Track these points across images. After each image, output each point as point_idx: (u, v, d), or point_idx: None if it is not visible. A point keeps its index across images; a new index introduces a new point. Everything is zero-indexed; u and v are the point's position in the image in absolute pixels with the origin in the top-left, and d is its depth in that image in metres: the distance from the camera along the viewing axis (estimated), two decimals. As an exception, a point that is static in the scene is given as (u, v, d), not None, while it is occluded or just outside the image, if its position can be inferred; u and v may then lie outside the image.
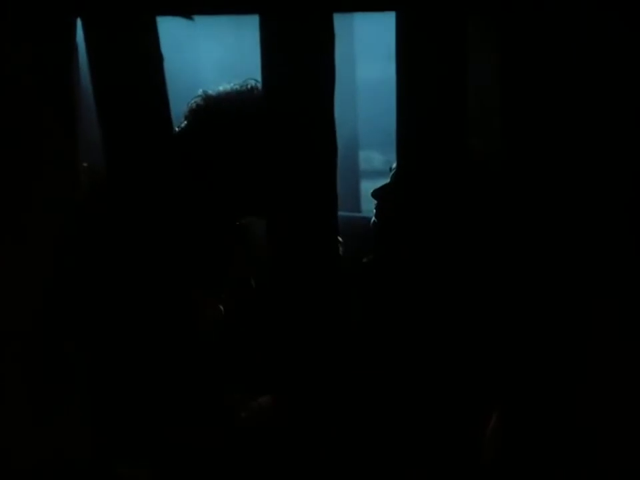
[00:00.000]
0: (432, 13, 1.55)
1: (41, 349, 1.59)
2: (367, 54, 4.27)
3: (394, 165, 1.93)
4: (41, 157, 1.55)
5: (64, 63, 1.54)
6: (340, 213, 1.67)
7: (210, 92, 1.91)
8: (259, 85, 1.88)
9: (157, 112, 1.59)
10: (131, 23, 1.54)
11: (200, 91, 1.92)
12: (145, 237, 1.64)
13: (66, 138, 1.56)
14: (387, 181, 1.94)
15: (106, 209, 1.66)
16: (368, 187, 4.02)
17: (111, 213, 1.65)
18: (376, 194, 1.93)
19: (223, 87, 1.92)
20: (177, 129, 1.91)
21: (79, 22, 1.55)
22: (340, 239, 1.69)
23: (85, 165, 1.76)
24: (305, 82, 1.56)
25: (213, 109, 1.88)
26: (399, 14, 1.56)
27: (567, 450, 1.65)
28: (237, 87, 1.91)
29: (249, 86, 1.90)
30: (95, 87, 1.56)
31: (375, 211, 1.94)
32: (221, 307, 1.94)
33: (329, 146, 1.60)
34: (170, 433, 1.69)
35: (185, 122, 1.91)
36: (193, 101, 1.91)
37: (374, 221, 1.93)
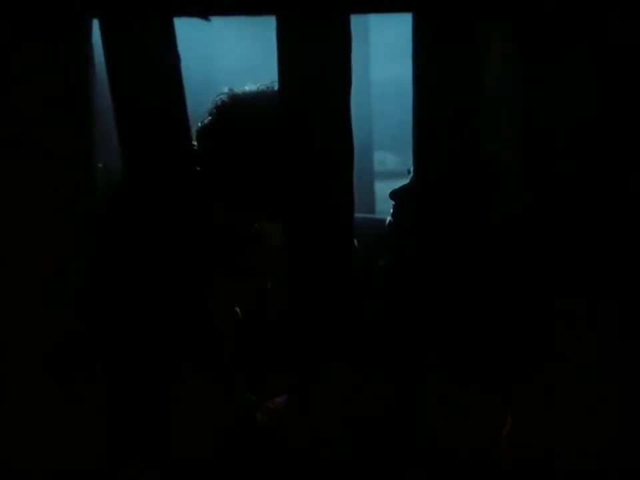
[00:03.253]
0: (448, 14, 1.54)
1: (53, 350, 1.59)
2: (381, 55, 4.27)
3: (412, 166, 1.93)
4: (55, 158, 1.56)
5: (80, 64, 1.54)
6: (355, 215, 1.67)
7: (236, 90, 1.89)
8: (248, 87, 1.88)
9: (174, 112, 1.59)
10: (147, 23, 1.54)
11: (226, 89, 1.90)
12: (161, 238, 1.64)
13: (81, 138, 1.57)
14: (403, 182, 1.94)
15: (122, 209, 1.66)
16: (382, 188, 4.03)
17: (127, 213, 1.65)
18: (394, 195, 1.92)
19: (249, 86, 1.90)
20: (199, 124, 1.89)
21: (95, 23, 1.56)
22: (355, 240, 1.68)
23: (100, 165, 1.77)
24: (322, 83, 1.56)
25: (240, 108, 1.86)
26: (415, 15, 1.56)
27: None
28: (264, 87, 1.89)
29: (275, 87, 1.88)
30: (112, 87, 1.56)
31: (392, 211, 1.93)
32: (237, 310, 1.94)
33: (345, 147, 1.60)
34: (180, 433, 1.69)
35: (209, 118, 1.89)
36: (218, 98, 1.88)
37: (390, 221, 1.92)
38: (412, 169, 1.92)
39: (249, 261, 2.02)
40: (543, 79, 1.57)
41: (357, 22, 1.58)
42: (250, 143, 1.83)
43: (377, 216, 2.76)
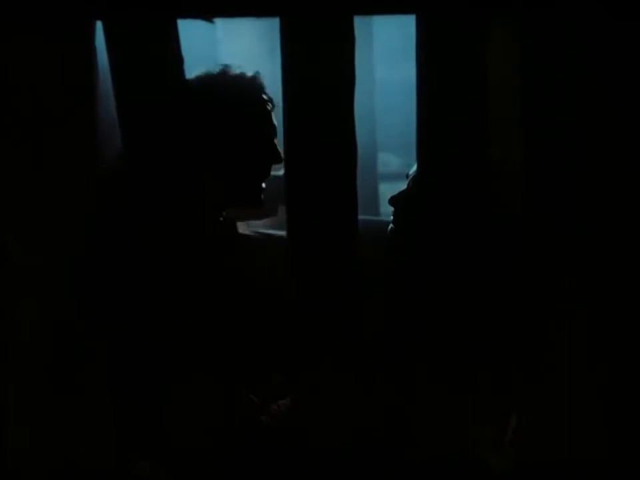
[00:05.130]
0: (452, 16, 1.54)
1: (60, 349, 1.60)
2: (385, 57, 4.27)
3: (411, 171, 1.93)
4: (60, 159, 1.56)
5: (84, 66, 1.54)
6: (358, 217, 1.66)
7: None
8: (228, 68, 1.89)
9: (178, 114, 1.59)
10: (151, 25, 1.54)
11: None
12: (163, 238, 1.64)
13: (85, 140, 1.57)
14: (404, 185, 1.94)
15: (125, 209, 1.66)
16: (386, 190, 4.03)
17: (130, 214, 1.64)
18: (393, 201, 1.92)
19: (195, 74, 1.90)
20: None
21: (99, 25, 1.56)
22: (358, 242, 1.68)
23: (104, 166, 1.77)
24: (325, 84, 1.56)
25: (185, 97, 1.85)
26: (418, 17, 1.56)
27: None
28: (206, 72, 1.89)
29: (217, 70, 1.89)
30: (116, 89, 1.56)
31: (392, 217, 1.93)
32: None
33: (348, 148, 1.60)
34: (183, 434, 1.69)
35: None
36: None
37: (391, 227, 1.92)
38: (410, 174, 1.93)
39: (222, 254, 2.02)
40: (543, 79, 1.57)
41: (360, 23, 1.58)
42: (200, 128, 1.84)
43: (381, 218, 2.75)
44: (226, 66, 1.90)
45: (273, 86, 1.93)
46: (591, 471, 1.66)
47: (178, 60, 1.57)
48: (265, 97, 1.92)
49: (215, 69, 1.90)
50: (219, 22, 1.57)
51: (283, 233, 1.86)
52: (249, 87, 1.89)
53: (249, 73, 1.91)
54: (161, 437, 1.71)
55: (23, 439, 1.61)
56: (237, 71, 1.91)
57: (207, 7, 1.53)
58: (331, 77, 1.56)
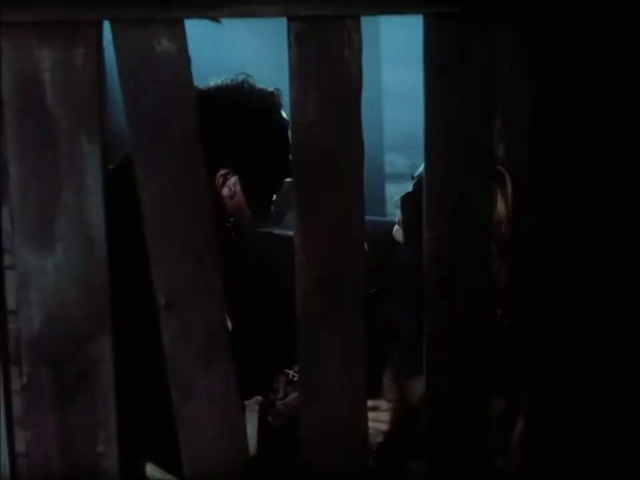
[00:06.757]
0: (459, 17, 1.54)
1: (68, 349, 1.60)
2: (392, 57, 4.27)
3: (416, 173, 1.93)
4: (66, 162, 1.56)
5: (90, 66, 1.55)
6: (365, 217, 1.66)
7: (200, 86, 1.90)
8: (250, 80, 1.90)
9: (186, 114, 1.59)
10: (159, 26, 1.54)
11: None
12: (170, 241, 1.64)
13: (93, 140, 1.57)
14: (411, 186, 1.94)
15: (133, 211, 1.66)
16: (393, 190, 4.03)
17: (138, 215, 1.64)
18: (400, 203, 1.92)
19: (214, 82, 1.92)
20: None
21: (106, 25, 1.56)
22: (365, 244, 1.68)
23: (111, 167, 1.77)
24: (332, 85, 1.56)
25: (203, 103, 1.86)
26: (426, 17, 1.55)
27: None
28: (228, 81, 1.91)
29: (239, 80, 1.90)
30: (124, 90, 1.56)
31: (398, 219, 1.93)
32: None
33: (355, 149, 1.59)
34: (190, 435, 1.69)
35: None
36: None
37: (397, 228, 1.93)
38: (415, 175, 1.93)
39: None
40: (550, 81, 1.57)
41: (367, 24, 1.57)
42: (215, 135, 1.85)
43: (387, 218, 2.76)
44: (246, 76, 1.91)
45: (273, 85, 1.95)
46: (595, 474, 1.66)
47: (185, 60, 1.57)
48: (283, 113, 1.93)
49: (237, 79, 1.91)
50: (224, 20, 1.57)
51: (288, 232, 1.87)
52: (271, 102, 1.90)
53: (232, 79, 1.94)
54: (168, 438, 1.71)
55: (28, 439, 1.61)
56: (258, 85, 1.92)
57: (214, 7, 1.53)
58: (338, 77, 1.56)
